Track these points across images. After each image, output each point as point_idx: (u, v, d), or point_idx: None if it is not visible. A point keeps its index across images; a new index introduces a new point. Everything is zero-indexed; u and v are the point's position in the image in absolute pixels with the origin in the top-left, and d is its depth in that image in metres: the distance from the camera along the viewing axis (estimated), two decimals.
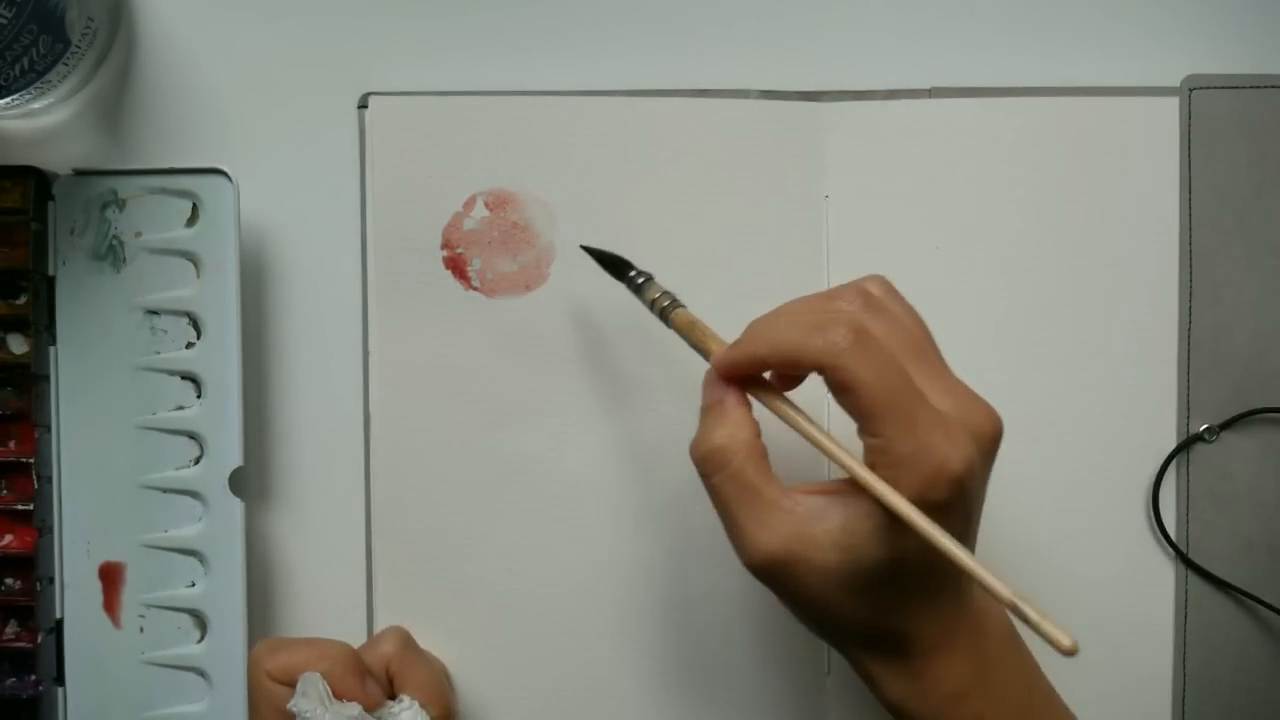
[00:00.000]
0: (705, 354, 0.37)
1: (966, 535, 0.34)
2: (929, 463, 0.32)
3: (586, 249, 0.42)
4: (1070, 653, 0.29)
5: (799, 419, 0.35)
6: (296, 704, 0.36)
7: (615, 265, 0.41)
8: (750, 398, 0.36)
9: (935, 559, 0.32)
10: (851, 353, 0.32)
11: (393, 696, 0.39)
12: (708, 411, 0.36)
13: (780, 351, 0.34)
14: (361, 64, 0.45)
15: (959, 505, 0.33)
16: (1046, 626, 0.29)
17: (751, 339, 0.35)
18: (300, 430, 0.46)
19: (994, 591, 0.30)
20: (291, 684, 0.37)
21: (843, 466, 0.33)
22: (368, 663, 0.39)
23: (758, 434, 0.35)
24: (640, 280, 0.40)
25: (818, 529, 0.33)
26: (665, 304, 0.39)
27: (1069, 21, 0.46)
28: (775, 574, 0.34)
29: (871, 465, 0.33)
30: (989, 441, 0.34)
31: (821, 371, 0.33)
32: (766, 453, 0.35)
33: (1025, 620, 0.30)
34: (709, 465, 0.35)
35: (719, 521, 0.35)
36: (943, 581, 0.34)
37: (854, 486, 0.33)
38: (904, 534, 0.32)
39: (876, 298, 0.35)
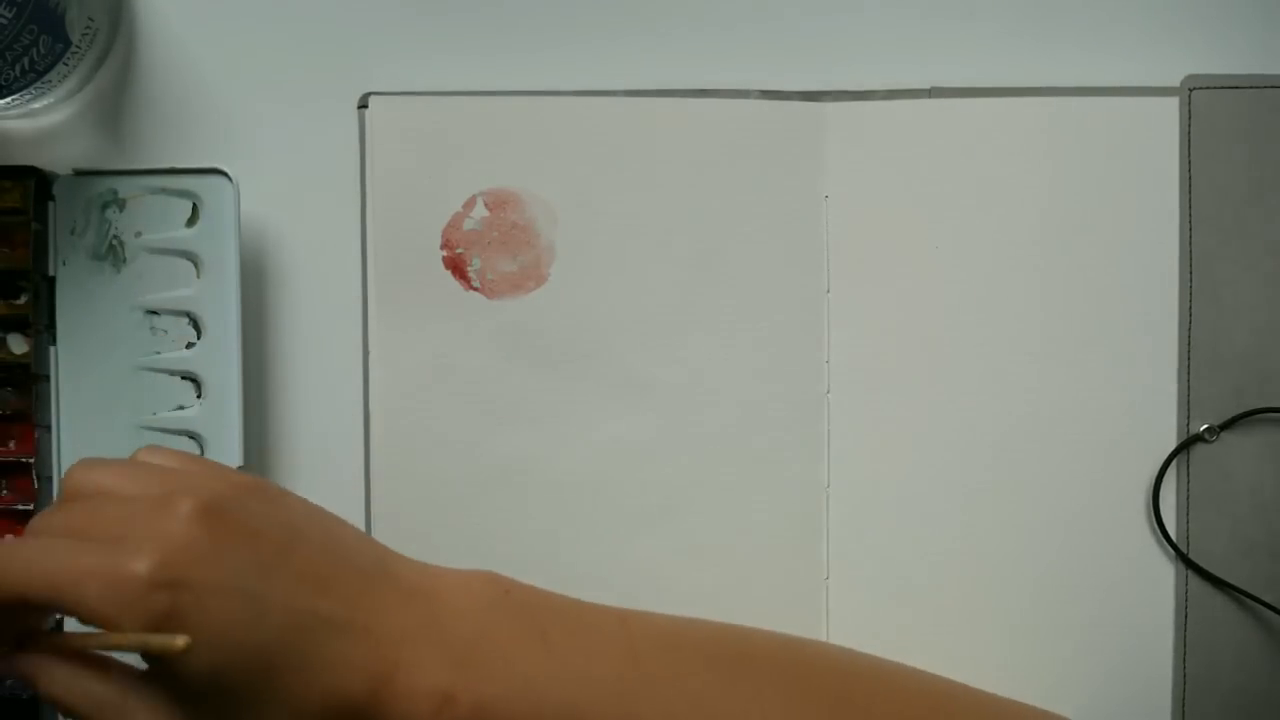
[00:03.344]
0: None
1: (262, 586, 0.30)
2: (103, 589, 0.28)
3: None
4: (185, 649, 0.27)
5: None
6: None
7: None
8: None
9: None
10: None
11: None
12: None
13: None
14: (361, 64, 0.45)
15: (189, 587, 0.29)
16: (159, 641, 0.27)
17: None
18: (300, 430, 0.46)
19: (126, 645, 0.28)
20: None
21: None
22: None
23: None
24: None
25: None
26: None
27: (1069, 21, 0.46)
28: None
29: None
30: (193, 512, 0.29)
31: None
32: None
33: (153, 650, 0.28)
34: None
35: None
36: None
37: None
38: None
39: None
